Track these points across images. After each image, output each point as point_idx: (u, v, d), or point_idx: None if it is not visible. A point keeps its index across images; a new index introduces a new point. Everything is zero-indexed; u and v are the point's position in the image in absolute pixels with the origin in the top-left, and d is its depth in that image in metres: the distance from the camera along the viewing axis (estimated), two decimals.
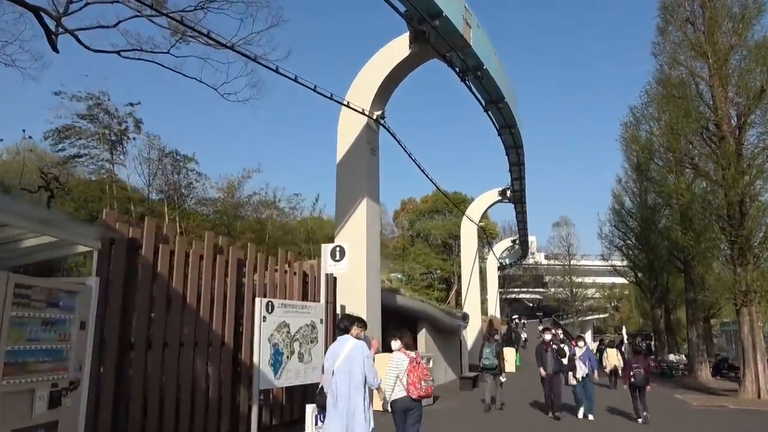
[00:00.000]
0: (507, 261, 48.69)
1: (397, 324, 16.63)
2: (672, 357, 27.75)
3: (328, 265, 9.26)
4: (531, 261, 69.36)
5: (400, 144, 13.67)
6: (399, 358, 6.34)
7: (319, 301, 9.23)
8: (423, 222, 49.64)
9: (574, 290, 66.84)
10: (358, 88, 12.84)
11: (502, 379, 12.96)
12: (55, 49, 14.46)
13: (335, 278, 10.92)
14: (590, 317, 76.84)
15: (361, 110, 12.01)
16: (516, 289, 69.00)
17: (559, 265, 69.18)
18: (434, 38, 11.83)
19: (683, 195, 16.72)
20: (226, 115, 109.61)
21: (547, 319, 68.53)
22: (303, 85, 10.80)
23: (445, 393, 15.41)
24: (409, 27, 11.95)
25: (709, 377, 22.51)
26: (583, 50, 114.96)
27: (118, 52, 14.98)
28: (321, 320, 8.92)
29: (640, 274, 29.79)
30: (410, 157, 14.47)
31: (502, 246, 41.96)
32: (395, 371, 6.24)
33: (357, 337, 6.07)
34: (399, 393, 6.16)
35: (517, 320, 68.81)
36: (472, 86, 14.08)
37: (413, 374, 6.13)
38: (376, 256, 12.46)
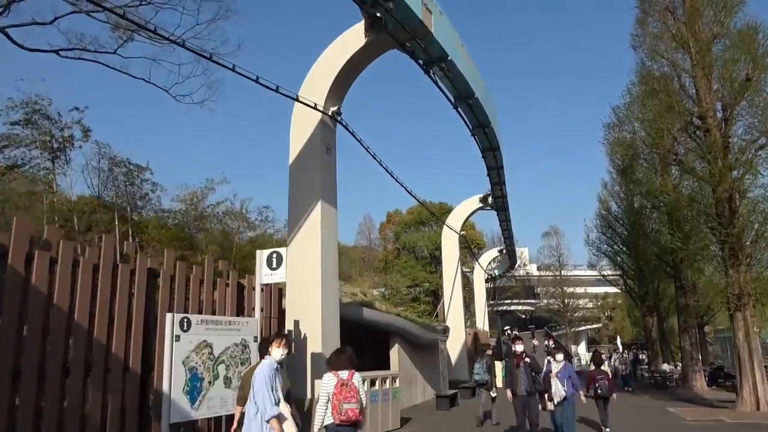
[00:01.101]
0: (496, 272, 47.59)
1: (367, 340, 15.45)
2: (666, 367, 26.63)
3: (263, 275, 8.09)
4: (522, 272, 68.59)
5: (360, 143, 12.59)
6: (327, 380, 5.46)
7: (252, 316, 8.05)
8: (409, 234, 48.67)
9: (566, 300, 65.94)
10: (312, 81, 11.81)
11: (492, 394, 12.74)
12: None
13: (280, 289, 9.79)
14: (584, 327, 76.03)
15: (313, 105, 10.93)
16: (507, 301, 68.10)
17: (550, 275, 68.35)
18: (392, 25, 10.81)
19: (669, 194, 15.72)
20: (185, 121, 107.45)
21: (540, 330, 67.40)
22: (244, 76, 9.70)
23: (419, 414, 14.19)
24: (363, 13, 10.93)
25: (705, 387, 21.38)
26: (565, 52, 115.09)
27: (56, 52, 13.86)
28: (255, 338, 7.75)
29: (629, 282, 28.75)
30: (373, 157, 13.37)
31: (488, 256, 40.88)
32: (325, 394, 5.38)
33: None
34: (329, 419, 5.32)
35: (508, 332, 67.62)
36: (438, 80, 13.05)
37: (336, 397, 5.24)
38: (334, 264, 11.30)
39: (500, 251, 40.34)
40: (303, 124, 11.60)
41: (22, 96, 13.88)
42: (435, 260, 44.87)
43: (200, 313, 7.62)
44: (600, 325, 77.63)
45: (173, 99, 15.14)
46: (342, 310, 12.78)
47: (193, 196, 19.34)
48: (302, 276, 10.75)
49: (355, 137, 12.47)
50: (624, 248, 26.57)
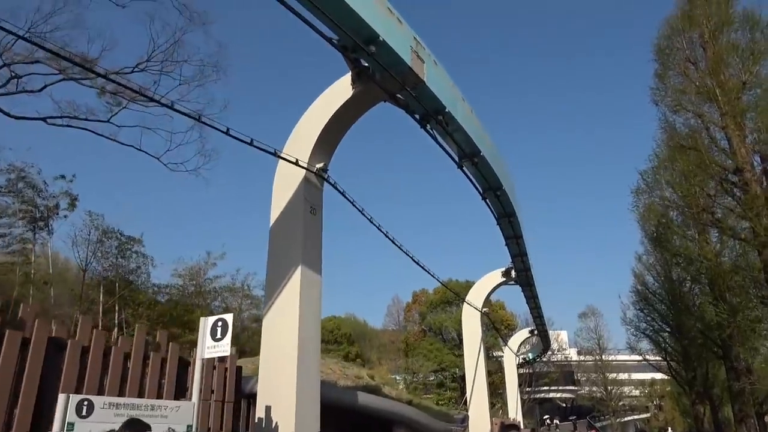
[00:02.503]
0: (529, 356, 44.50)
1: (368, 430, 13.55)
2: None
3: (206, 347, 6.69)
4: (560, 356, 64.86)
5: (352, 203, 11.43)
6: None
7: (190, 399, 6.58)
8: (435, 314, 46.60)
9: (609, 388, 61.35)
10: (297, 137, 10.90)
11: None
12: None
13: (240, 368, 8.34)
14: (630, 417, 70.56)
15: (294, 160, 9.93)
16: (545, 388, 63.93)
17: (590, 361, 64.28)
18: (379, 74, 9.96)
19: (708, 259, 13.90)
20: (183, 190, 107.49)
21: (582, 420, 62.32)
22: (213, 127, 8.95)
23: None
24: (347, 62, 10.12)
25: None
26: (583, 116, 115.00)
27: (44, 119, 13.46)
28: (190, 427, 6.26)
29: (673, 364, 25.88)
30: (370, 220, 12.12)
31: (519, 338, 38.23)
32: None
33: None
34: None
35: (548, 421, 63.22)
36: (437, 136, 12.01)
37: None
38: (314, 341, 9.82)
39: (531, 332, 37.74)
40: (285, 183, 10.57)
41: (5, 162, 13.48)
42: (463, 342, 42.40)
43: (122, 394, 6.23)
44: (648, 414, 71.95)
45: (165, 167, 14.60)
46: (332, 394, 11.16)
47: (191, 271, 18.34)
48: (276, 354, 9.31)
49: (345, 197, 11.36)
50: (665, 326, 24.10)
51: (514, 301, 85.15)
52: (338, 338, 42.49)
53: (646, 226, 22.87)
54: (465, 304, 24.42)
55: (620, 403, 63.96)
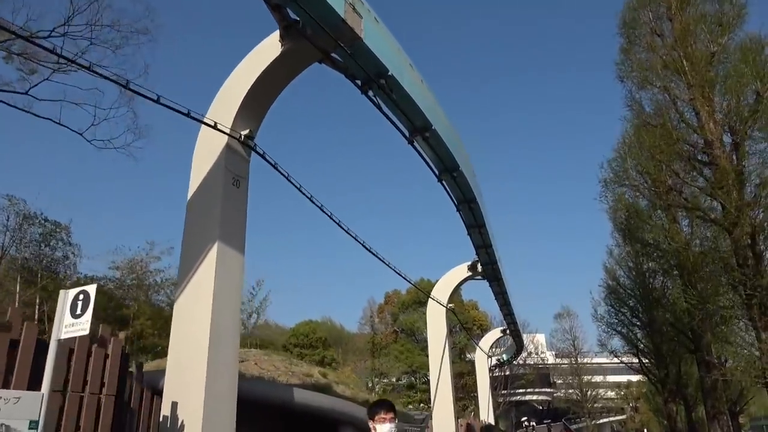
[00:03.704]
0: (504, 357, 43.62)
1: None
2: None
3: (63, 326, 5.46)
4: (536, 358, 64.44)
5: (286, 178, 10.27)
6: None
7: (39, 390, 5.33)
8: (407, 315, 45.61)
9: (584, 390, 61.03)
10: (222, 100, 9.75)
11: None
12: None
13: (128, 355, 7.09)
14: (606, 419, 70.48)
15: (212, 123, 8.76)
16: (521, 390, 63.40)
17: (565, 364, 63.99)
18: (310, 28, 8.87)
19: (675, 240, 13.05)
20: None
21: (557, 423, 61.84)
22: (109, 78, 7.69)
23: None
24: (272, 13, 9.02)
25: None
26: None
27: None
28: (34, 423, 5.03)
29: (645, 361, 25.13)
30: (305, 194, 10.96)
31: (490, 338, 37.28)
32: None
33: None
34: None
35: (525, 423, 62.75)
36: (381, 105, 10.90)
37: None
38: (231, 327, 8.62)
39: (503, 331, 36.81)
40: (206, 151, 9.37)
41: None
42: None
43: None
44: (624, 416, 72.00)
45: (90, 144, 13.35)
46: (263, 391, 9.96)
47: (131, 263, 16.98)
48: (186, 343, 8.13)
49: (277, 170, 10.18)
50: (635, 321, 23.36)
51: (489, 301, 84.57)
52: (313, 342, 41.49)
53: (615, 217, 22.17)
54: (430, 300, 23.36)
55: (596, 405, 63.77)
